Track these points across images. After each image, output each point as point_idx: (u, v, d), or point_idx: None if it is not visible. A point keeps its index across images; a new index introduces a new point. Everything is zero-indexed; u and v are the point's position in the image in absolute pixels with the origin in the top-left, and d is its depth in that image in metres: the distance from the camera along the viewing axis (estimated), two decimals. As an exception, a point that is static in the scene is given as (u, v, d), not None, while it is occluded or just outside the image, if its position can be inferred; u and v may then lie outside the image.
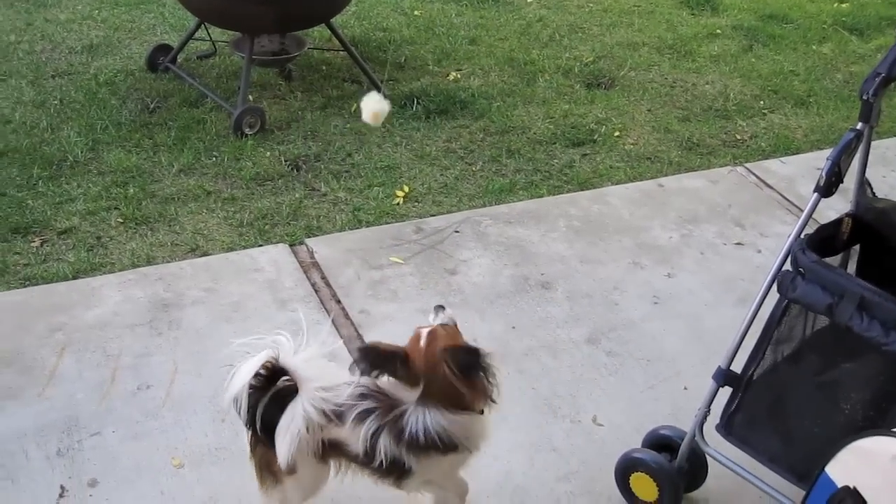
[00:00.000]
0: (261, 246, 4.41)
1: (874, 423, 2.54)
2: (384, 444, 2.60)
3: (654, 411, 3.53)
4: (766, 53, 7.00)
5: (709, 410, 2.93)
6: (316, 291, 4.11)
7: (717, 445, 2.92)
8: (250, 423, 2.65)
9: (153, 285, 4.06)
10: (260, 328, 3.12)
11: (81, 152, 5.04)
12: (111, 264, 4.25)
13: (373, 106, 3.73)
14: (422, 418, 2.59)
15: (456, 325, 2.70)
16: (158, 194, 4.76)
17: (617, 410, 3.58)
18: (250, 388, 2.59)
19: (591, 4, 7.67)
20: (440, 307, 2.70)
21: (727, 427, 2.89)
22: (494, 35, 6.92)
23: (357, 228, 4.60)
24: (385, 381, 2.64)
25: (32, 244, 4.35)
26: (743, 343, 2.86)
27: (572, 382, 3.71)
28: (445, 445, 2.62)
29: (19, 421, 3.34)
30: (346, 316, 3.97)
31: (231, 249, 4.39)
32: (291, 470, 2.68)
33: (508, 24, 7.13)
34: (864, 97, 2.68)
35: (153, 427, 3.36)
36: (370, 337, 3.81)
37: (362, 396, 2.63)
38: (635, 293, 4.26)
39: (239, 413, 2.63)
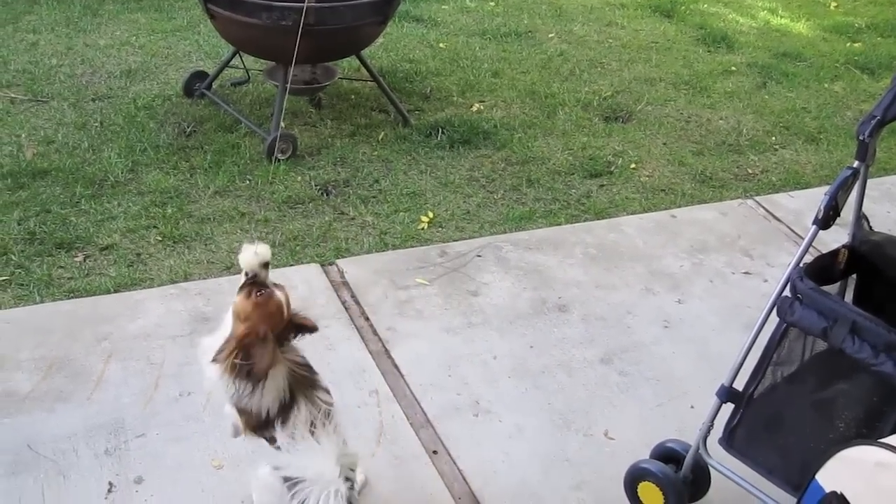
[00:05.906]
0: (292, 266, 4.60)
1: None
2: None
3: (662, 427, 3.67)
4: (779, 90, 7.17)
5: (712, 425, 3.08)
6: (346, 309, 4.27)
7: (719, 458, 3.07)
8: None
9: (193, 299, 4.25)
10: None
11: (121, 173, 5.25)
12: (150, 279, 4.44)
13: None
14: None
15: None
16: (195, 214, 4.96)
17: (627, 426, 3.74)
18: None
19: (611, 40, 7.89)
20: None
21: (729, 441, 3.02)
22: (517, 68, 7.14)
23: (384, 251, 4.77)
24: None
25: (76, 259, 4.55)
26: (745, 364, 3.00)
27: (586, 399, 3.87)
28: None
29: (70, 421, 3.53)
30: (374, 332, 4.15)
31: (264, 268, 4.57)
32: None
33: (530, 58, 7.34)
34: (861, 137, 2.82)
35: (194, 430, 3.54)
36: (397, 352, 4.03)
37: None
38: (647, 317, 4.42)
39: None
